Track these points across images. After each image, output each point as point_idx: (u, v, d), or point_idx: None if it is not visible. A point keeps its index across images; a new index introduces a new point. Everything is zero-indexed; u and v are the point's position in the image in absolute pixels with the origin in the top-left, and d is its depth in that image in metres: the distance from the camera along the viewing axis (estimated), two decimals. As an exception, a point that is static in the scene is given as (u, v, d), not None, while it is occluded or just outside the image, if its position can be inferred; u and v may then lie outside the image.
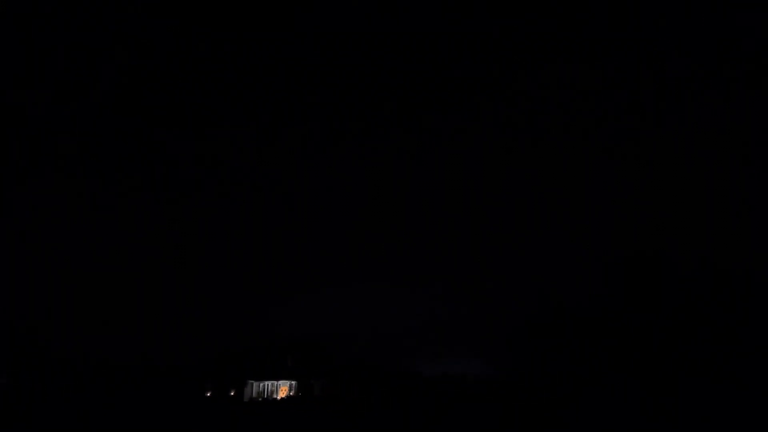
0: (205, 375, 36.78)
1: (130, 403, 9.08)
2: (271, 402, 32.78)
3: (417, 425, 7.52)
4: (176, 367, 35.37)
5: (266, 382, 38.38)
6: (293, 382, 37.48)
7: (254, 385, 38.22)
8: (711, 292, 17.94)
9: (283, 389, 37.26)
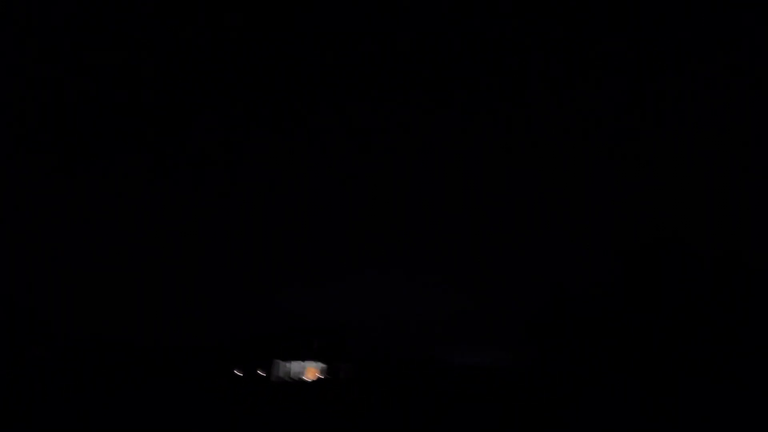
0: (235, 355, 37.28)
1: (162, 382, 9.15)
2: (297, 383, 33.09)
3: (417, 425, 7.52)
4: (208, 348, 35.96)
5: (293, 363, 38.77)
6: (320, 365, 37.87)
7: (282, 365, 38.64)
8: (720, 281, 17.93)
9: (310, 371, 37.66)
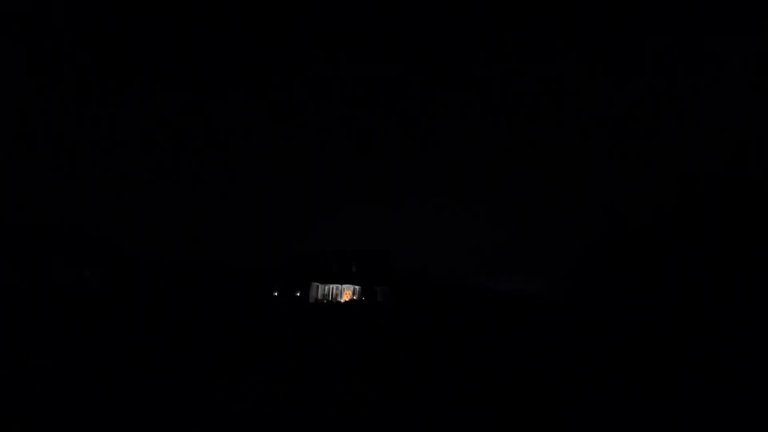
0: (274, 276, 37.48)
1: (162, 382, 9.20)
2: (334, 304, 33.15)
3: (417, 425, 7.52)
4: (249, 270, 36.62)
5: (331, 286, 38.68)
6: (357, 287, 37.61)
7: (319, 287, 38.55)
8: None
9: (347, 293, 37.43)
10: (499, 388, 10.32)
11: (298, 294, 36.83)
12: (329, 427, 7.30)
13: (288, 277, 37.38)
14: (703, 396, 10.20)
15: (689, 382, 11.61)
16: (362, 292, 36.47)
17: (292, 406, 8.24)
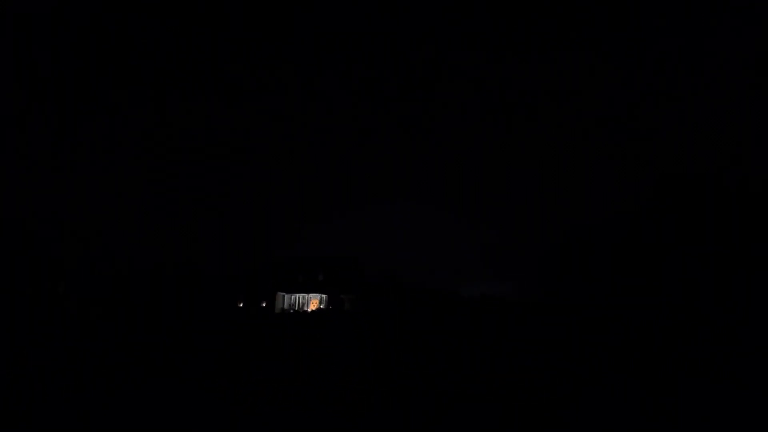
0: (238, 286, 36.77)
1: (162, 382, 9.18)
2: (300, 314, 32.53)
3: (417, 425, 7.52)
4: (213, 277, 35.88)
5: (297, 295, 38.03)
6: (324, 296, 36.99)
7: (285, 297, 37.91)
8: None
9: (313, 302, 36.83)
10: (499, 388, 10.32)
11: (264, 304, 36.51)
12: (329, 427, 7.30)
13: (254, 287, 36.89)
14: (703, 396, 10.20)
15: (689, 382, 11.61)
16: (329, 301, 36.19)
17: (292, 406, 8.24)
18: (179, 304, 29.49)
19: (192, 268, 35.04)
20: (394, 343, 17.38)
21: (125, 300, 29.45)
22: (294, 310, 36.17)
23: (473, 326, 22.24)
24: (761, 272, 20.66)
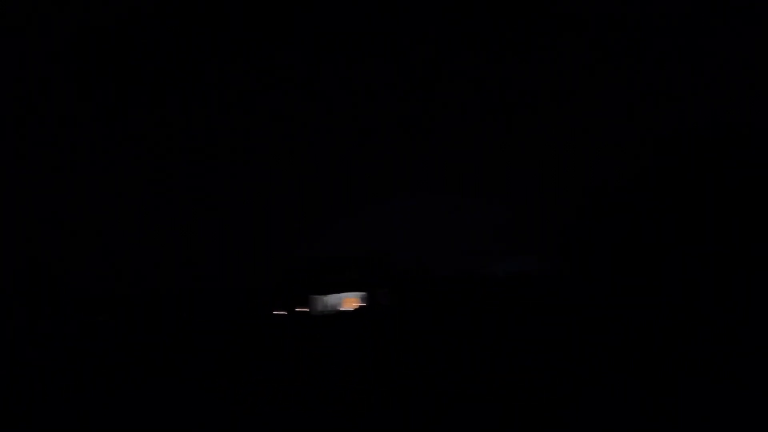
0: (273, 294, 36.45)
1: (162, 382, 9.17)
2: (338, 314, 32.44)
3: (417, 425, 7.52)
4: (246, 290, 35.50)
5: (332, 296, 37.84)
6: (359, 294, 36.82)
7: (319, 300, 37.71)
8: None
9: (347, 301, 36.64)
10: (499, 388, 10.32)
11: (299, 309, 36.45)
12: (329, 427, 7.30)
13: (285, 294, 36.75)
14: (703, 396, 10.19)
15: (689, 382, 11.60)
16: (364, 299, 36.12)
17: (292, 406, 8.24)
18: (189, 311, 29.45)
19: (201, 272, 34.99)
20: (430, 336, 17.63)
21: (125, 300, 29.39)
22: (329, 311, 36.25)
23: (473, 326, 22.21)
24: (761, 272, 20.71)
